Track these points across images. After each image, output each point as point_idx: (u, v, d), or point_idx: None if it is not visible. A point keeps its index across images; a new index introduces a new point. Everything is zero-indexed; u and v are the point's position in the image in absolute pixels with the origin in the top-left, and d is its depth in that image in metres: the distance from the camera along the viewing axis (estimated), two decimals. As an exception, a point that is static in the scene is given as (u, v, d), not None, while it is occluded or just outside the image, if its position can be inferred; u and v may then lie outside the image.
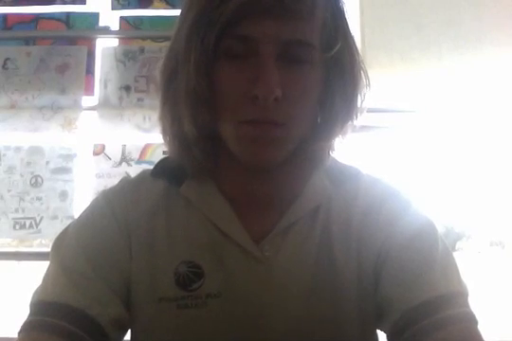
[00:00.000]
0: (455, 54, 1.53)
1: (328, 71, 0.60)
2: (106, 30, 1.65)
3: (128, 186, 0.68)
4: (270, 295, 0.61)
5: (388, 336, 0.61)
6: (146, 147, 1.58)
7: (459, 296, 0.59)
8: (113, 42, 1.65)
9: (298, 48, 0.57)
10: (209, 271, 0.61)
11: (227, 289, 0.61)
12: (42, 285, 0.61)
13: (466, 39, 1.53)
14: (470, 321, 0.57)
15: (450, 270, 0.61)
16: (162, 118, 0.64)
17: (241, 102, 0.56)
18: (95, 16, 1.66)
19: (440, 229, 0.65)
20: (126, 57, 1.60)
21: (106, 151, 1.58)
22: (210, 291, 0.61)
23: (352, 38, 0.63)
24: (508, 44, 1.53)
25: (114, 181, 0.71)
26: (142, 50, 1.60)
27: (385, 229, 0.63)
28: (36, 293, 0.60)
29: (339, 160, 0.70)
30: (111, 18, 1.65)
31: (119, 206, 0.65)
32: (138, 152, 1.58)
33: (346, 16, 0.62)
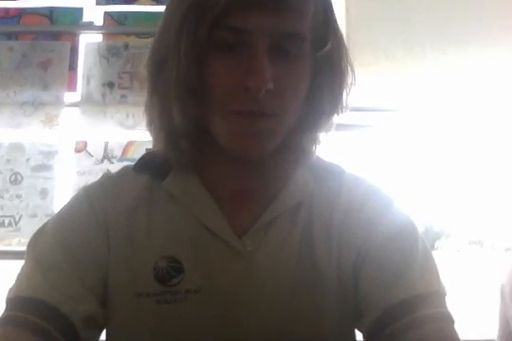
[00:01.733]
0: (439, 53, 1.55)
1: (317, 65, 0.61)
2: (90, 26, 1.63)
3: (109, 181, 0.68)
4: (251, 290, 0.61)
5: (365, 336, 0.61)
6: (129, 144, 1.57)
7: (437, 295, 0.59)
8: (97, 37, 1.63)
9: (289, 41, 0.57)
10: (189, 266, 0.61)
11: (207, 284, 0.60)
12: (17, 281, 0.60)
13: (449, 39, 1.55)
14: (447, 321, 0.58)
15: (429, 270, 0.62)
16: (149, 110, 0.63)
17: (232, 93, 0.56)
18: (79, 11, 1.64)
19: (420, 228, 0.65)
20: (110, 53, 1.59)
21: (88, 148, 1.57)
22: (190, 286, 0.60)
23: (341, 34, 0.64)
24: (492, 43, 1.56)
25: (96, 178, 0.70)
26: (126, 46, 1.59)
27: (366, 228, 0.63)
28: (12, 288, 0.60)
29: (323, 158, 0.71)
30: (95, 13, 1.63)
31: (99, 201, 0.65)
32: (121, 150, 1.57)
33: (334, 13, 0.63)
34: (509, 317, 0.78)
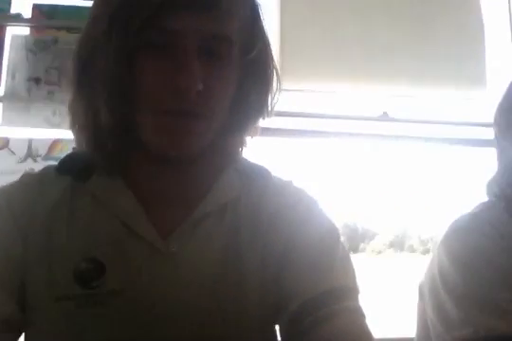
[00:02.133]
0: (368, 61, 1.61)
1: (245, 69, 0.63)
2: (18, 18, 1.55)
3: (29, 180, 0.66)
4: (175, 291, 0.61)
5: (283, 329, 0.63)
6: (55, 142, 1.51)
7: (352, 291, 0.63)
8: (24, 30, 1.55)
9: (218, 43, 0.59)
10: (111, 267, 0.60)
11: (130, 286, 0.60)
12: None
13: (379, 48, 1.62)
14: (361, 314, 0.62)
15: (347, 269, 0.65)
16: (74, 108, 0.62)
17: (162, 93, 0.57)
18: (6, 2, 1.55)
19: (345, 231, 0.69)
20: (38, 47, 1.52)
21: (10, 145, 1.49)
22: (112, 288, 0.59)
23: (269, 41, 0.66)
24: (418, 56, 1.64)
25: (18, 178, 0.68)
26: (56, 41, 1.52)
27: (291, 230, 0.65)
28: None
29: (250, 160, 0.72)
30: (23, 5, 1.55)
31: (18, 201, 0.63)
32: (46, 148, 1.50)
33: (264, 22, 0.65)
34: (427, 316, 0.82)
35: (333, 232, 0.68)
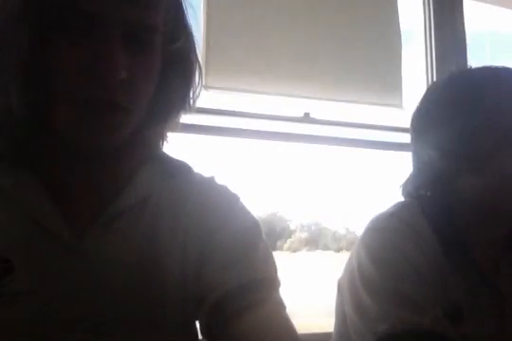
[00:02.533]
0: (295, 64, 1.64)
1: (167, 61, 0.61)
2: None
3: None
4: (87, 292, 0.58)
5: (204, 322, 0.63)
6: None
7: (273, 283, 0.64)
8: None
9: (143, 31, 0.56)
10: (20, 266, 0.56)
11: (41, 285, 0.56)
12: None
13: (301, 51, 1.65)
14: (282, 305, 0.63)
15: (269, 263, 0.66)
16: None
17: (80, 81, 0.53)
18: None
19: (263, 229, 0.69)
20: None
21: None
22: (21, 287, 0.55)
23: (193, 36, 0.65)
24: (340, 59, 1.69)
25: None
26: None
27: (212, 226, 0.65)
28: None
29: (171, 155, 0.71)
30: None
31: None
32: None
33: (188, 18, 0.64)
34: (346, 311, 0.85)
35: (255, 228, 0.68)
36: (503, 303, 0.86)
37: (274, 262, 0.67)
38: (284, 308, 0.63)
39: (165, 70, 0.61)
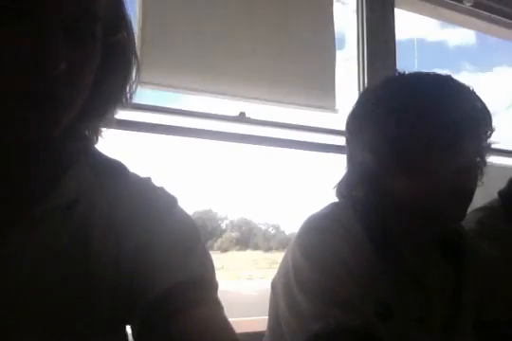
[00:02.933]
0: (229, 65, 1.63)
1: (105, 53, 0.59)
2: None
3: None
4: (13, 293, 0.54)
5: (137, 325, 0.61)
6: None
7: (212, 284, 0.63)
8: None
9: (85, 20, 0.53)
10: None
11: None
12: None
13: (239, 47, 1.65)
14: (220, 306, 0.62)
15: (207, 264, 0.65)
16: None
17: (20, 73, 0.49)
18: None
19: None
20: None
21: None
22: None
23: (132, 29, 0.63)
24: (277, 61, 1.71)
25: None
26: None
27: (147, 228, 0.63)
28: None
29: (106, 154, 0.68)
30: None
31: None
32: None
33: (127, 9, 0.62)
34: (280, 310, 0.85)
35: (192, 230, 0.67)
36: (429, 302, 0.90)
37: (212, 264, 0.66)
38: (222, 309, 0.62)
39: (103, 63, 0.58)
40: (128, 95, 0.64)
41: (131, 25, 0.63)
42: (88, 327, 0.58)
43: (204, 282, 0.62)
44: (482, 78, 2.56)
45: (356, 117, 0.97)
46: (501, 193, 1.24)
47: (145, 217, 0.63)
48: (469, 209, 0.92)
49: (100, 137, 0.66)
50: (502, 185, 1.26)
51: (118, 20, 0.60)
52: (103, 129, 0.65)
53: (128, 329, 0.65)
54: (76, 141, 0.62)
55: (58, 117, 0.53)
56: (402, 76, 0.96)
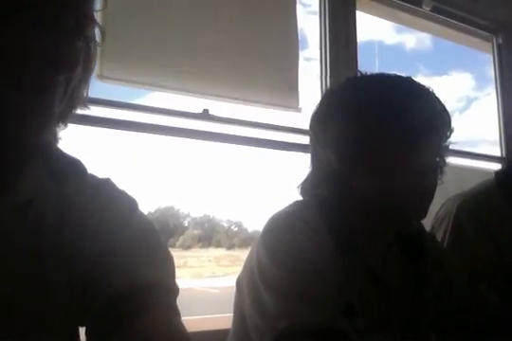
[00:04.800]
0: (192, 61, 1.62)
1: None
2: None
3: None
4: None
5: (91, 329, 0.60)
6: None
7: (170, 289, 0.62)
8: None
9: (65, 14, 0.53)
10: None
11: None
12: None
13: (202, 48, 1.64)
14: (175, 312, 0.61)
15: (167, 269, 0.64)
16: None
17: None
18: None
19: (156, 226, 0.67)
20: None
21: None
22: None
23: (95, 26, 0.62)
24: (241, 59, 1.71)
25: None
26: None
27: (105, 231, 0.62)
28: None
29: (64, 153, 0.65)
30: None
31: None
32: None
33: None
34: (245, 309, 0.85)
35: (152, 231, 0.66)
36: (390, 299, 0.92)
37: (173, 269, 0.65)
38: (178, 314, 0.62)
39: None
40: (86, 92, 0.63)
41: (95, 18, 0.61)
42: (40, 327, 0.57)
43: (161, 287, 0.61)
44: (437, 81, 2.64)
45: (320, 117, 0.98)
46: (497, 173, 1.28)
47: (104, 219, 0.62)
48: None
49: (59, 137, 0.64)
50: (457, 184, 1.30)
51: (88, 13, 0.58)
52: (62, 127, 0.63)
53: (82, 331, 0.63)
54: (39, 142, 0.59)
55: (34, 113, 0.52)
56: (364, 77, 0.97)
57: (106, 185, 0.67)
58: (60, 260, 0.58)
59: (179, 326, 0.60)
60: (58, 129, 0.62)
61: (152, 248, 0.64)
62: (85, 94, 0.62)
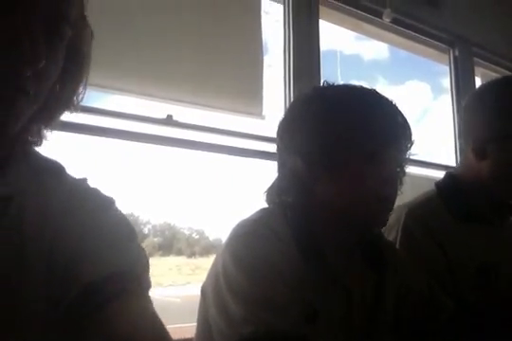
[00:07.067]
0: (156, 66, 1.61)
1: (66, 57, 0.60)
2: None
3: None
4: None
5: (63, 319, 0.59)
6: None
7: (143, 281, 0.63)
8: None
9: (60, 23, 0.56)
10: None
11: None
12: None
13: (167, 54, 1.63)
14: (148, 300, 0.62)
15: (139, 261, 0.65)
16: None
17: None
18: None
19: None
20: None
21: None
22: None
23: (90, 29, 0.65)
24: (204, 65, 1.71)
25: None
26: None
27: (82, 230, 0.62)
28: None
29: (43, 154, 0.67)
30: None
31: None
32: None
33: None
34: (210, 316, 0.85)
35: (126, 228, 0.67)
36: (351, 302, 0.94)
37: (146, 262, 0.66)
38: (151, 303, 0.62)
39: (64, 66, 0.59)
40: (79, 97, 0.65)
41: (89, 27, 0.64)
42: (25, 320, 0.56)
43: (132, 276, 0.61)
44: (394, 91, 2.72)
45: (288, 125, 0.99)
46: (437, 184, 1.31)
47: (79, 219, 0.63)
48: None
49: (44, 139, 0.65)
50: (413, 193, 1.33)
51: (83, 21, 0.61)
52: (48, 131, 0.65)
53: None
54: (20, 141, 0.61)
55: (22, 112, 0.53)
56: (331, 87, 1.00)
57: (82, 183, 0.69)
58: (40, 256, 0.59)
59: (153, 313, 0.60)
60: (40, 129, 0.63)
61: (124, 240, 0.65)
62: (75, 97, 0.63)
